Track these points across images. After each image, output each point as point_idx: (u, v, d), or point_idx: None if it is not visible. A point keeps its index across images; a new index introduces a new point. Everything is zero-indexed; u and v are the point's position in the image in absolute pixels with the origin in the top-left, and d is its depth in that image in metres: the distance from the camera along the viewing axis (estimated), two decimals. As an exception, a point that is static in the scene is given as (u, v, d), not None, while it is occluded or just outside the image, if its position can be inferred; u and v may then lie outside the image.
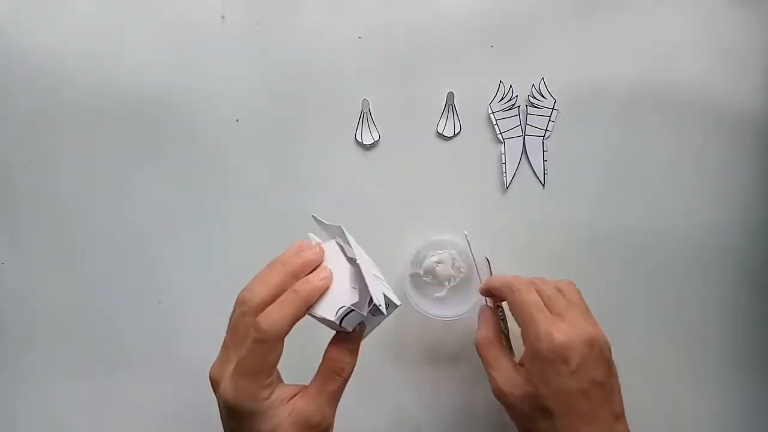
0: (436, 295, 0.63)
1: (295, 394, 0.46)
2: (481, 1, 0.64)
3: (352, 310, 0.45)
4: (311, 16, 0.64)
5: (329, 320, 0.45)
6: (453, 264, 0.62)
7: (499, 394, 0.51)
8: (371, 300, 0.44)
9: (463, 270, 0.63)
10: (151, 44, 0.64)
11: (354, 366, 0.47)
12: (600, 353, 0.49)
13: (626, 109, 0.64)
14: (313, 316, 0.46)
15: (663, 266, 0.65)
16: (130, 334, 0.65)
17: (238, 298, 0.46)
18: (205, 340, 0.64)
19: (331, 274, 0.46)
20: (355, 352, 0.47)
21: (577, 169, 0.65)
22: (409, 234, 0.64)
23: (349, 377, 0.47)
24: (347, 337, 0.46)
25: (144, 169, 0.65)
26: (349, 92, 0.64)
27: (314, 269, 0.46)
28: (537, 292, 0.52)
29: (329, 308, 0.45)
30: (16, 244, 0.65)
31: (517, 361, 0.55)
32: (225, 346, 0.46)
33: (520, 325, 0.51)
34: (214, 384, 0.46)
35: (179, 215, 0.65)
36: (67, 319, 0.65)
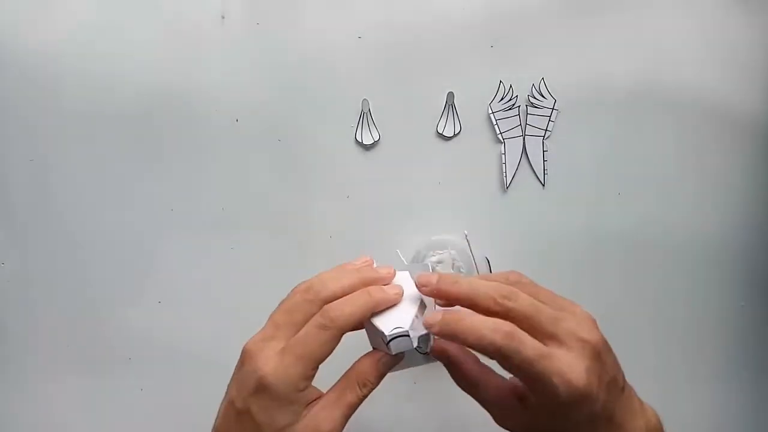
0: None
1: (317, 398, 0.44)
2: (481, 1, 0.64)
3: (407, 335, 0.44)
4: (311, 16, 0.64)
5: (382, 333, 0.44)
6: (453, 264, 0.62)
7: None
8: (426, 336, 0.44)
9: (463, 270, 0.63)
10: (151, 44, 0.64)
11: (376, 386, 0.44)
12: (604, 352, 0.43)
13: (626, 109, 0.64)
14: (369, 325, 0.45)
15: (662, 266, 0.65)
16: (130, 334, 0.65)
17: (300, 286, 0.45)
18: (205, 339, 0.65)
19: (403, 293, 0.45)
20: (383, 372, 0.44)
21: (577, 169, 0.65)
22: (409, 234, 0.64)
23: (368, 393, 0.44)
24: (382, 356, 0.44)
25: (144, 168, 0.65)
26: (349, 92, 0.64)
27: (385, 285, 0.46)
28: (510, 318, 0.41)
29: (388, 323, 0.44)
30: (16, 244, 0.65)
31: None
32: (274, 325, 0.44)
33: (524, 380, 0.42)
34: (248, 356, 0.43)
35: (179, 215, 0.65)
36: (67, 319, 0.65)
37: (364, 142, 0.64)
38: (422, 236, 0.64)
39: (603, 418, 0.42)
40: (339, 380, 0.44)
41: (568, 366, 0.40)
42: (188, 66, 0.64)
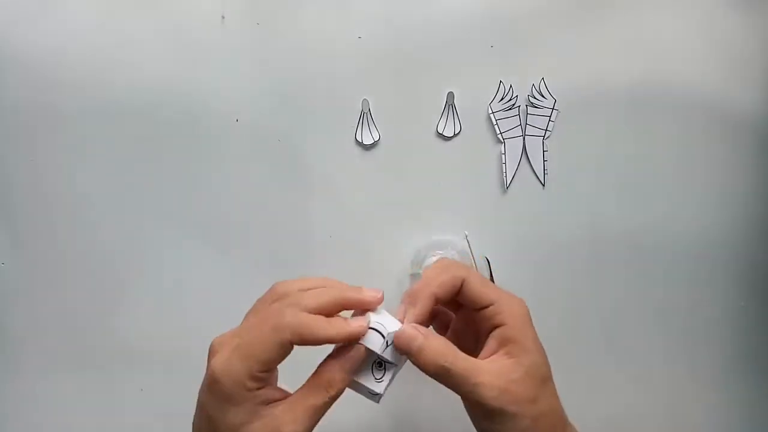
0: None
1: (279, 399, 0.43)
2: (482, 1, 0.64)
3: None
4: (311, 16, 0.64)
5: (378, 333, 0.44)
6: None
7: (494, 395, 0.42)
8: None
9: None
10: (151, 44, 0.64)
11: (344, 387, 0.43)
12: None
13: (626, 109, 0.64)
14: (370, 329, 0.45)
15: (663, 266, 0.65)
16: (130, 334, 0.65)
17: (279, 287, 0.45)
18: (205, 339, 0.64)
19: (369, 322, 0.44)
20: (349, 373, 0.44)
21: (577, 169, 0.65)
22: (409, 234, 0.65)
23: (337, 396, 0.43)
24: (347, 356, 0.43)
25: (144, 168, 0.65)
26: (349, 92, 0.64)
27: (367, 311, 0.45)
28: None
29: (390, 324, 0.45)
30: (16, 244, 0.65)
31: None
32: (241, 325, 0.45)
33: (489, 305, 0.45)
34: (210, 351, 0.44)
35: (179, 215, 0.65)
36: (67, 319, 0.65)
37: (364, 142, 0.64)
38: (422, 236, 0.64)
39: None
40: (305, 382, 0.44)
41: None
42: (188, 66, 0.64)
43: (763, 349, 0.66)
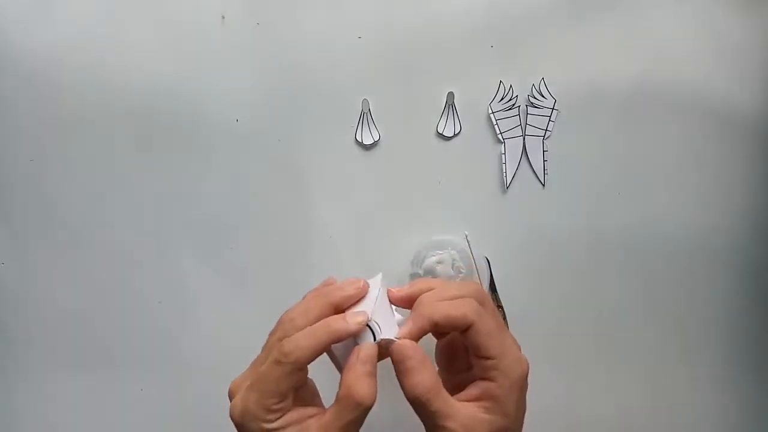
0: None
1: (311, 416, 0.43)
2: (482, 1, 0.64)
3: (393, 342, 0.45)
4: (311, 16, 0.64)
5: (371, 332, 0.45)
6: (453, 264, 0.62)
7: None
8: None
9: (463, 271, 0.62)
10: (151, 44, 0.64)
11: (376, 392, 0.43)
12: None
13: (626, 109, 0.64)
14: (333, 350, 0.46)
15: (663, 266, 0.65)
16: (130, 335, 0.65)
17: (280, 318, 0.46)
18: (205, 340, 0.65)
19: (367, 319, 0.45)
20: (373, 375, 0.43)
21: (577, 169, 0.65)
22: (409, 234, 0.64)
23: (371, 405, 0.42)
24: (361, 361, 0.43)
25: (144, 168, 0.65)
26: (349, 92, 0.64)
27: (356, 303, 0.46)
28: (483, 306, 0.45)
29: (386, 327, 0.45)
30: (16, 244, 0.65)
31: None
32: (253, 363, 0.46)
33: (488, 358, 0.43)
34: (230, 397, 0.45)
35: (179, 214, 0.65)
36: (67, 319, 0.65)
37: (364, 142, 0.64)
38: (422, 236, 0.64)
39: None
40: (336, 398, 0.43)
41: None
42: (188, 66, 0.64)
43: (763, 349, 0.66)
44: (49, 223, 0.65)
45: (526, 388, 0.45)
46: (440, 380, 0.44)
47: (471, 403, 0.44)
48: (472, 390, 0.44)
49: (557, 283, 0.65)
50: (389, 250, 0.64)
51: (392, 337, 0.44)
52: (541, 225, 0.65)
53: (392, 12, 0.64)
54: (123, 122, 0.64)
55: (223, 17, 0.64)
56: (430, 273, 0.62)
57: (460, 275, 0.62)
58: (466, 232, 0.62)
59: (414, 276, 0.63)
